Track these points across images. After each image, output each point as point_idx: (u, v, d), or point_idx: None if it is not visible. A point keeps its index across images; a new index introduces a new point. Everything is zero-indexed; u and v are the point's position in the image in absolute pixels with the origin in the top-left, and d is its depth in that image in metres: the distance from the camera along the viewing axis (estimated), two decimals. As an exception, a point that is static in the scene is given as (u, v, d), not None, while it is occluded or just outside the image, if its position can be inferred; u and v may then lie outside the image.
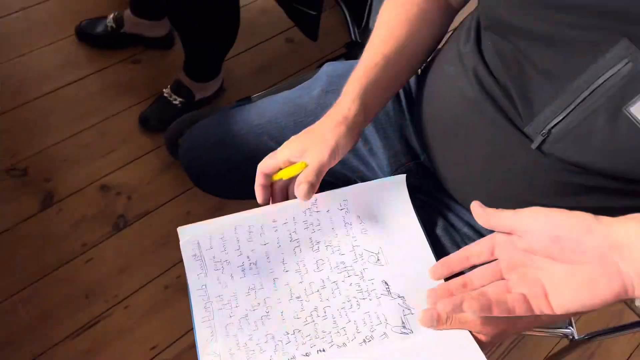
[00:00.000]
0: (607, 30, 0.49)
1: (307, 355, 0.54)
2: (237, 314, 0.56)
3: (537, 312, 0.46)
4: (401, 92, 0.81)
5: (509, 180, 0.63)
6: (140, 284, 1.22)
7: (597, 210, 0.59)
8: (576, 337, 0.89)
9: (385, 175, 0.78)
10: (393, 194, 0.65)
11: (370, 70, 0.67)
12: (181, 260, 0.58)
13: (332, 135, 0.63)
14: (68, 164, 1.34)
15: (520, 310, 0.46)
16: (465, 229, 0.72)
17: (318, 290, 0.59)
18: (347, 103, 0.65)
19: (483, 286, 0.50)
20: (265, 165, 0.63)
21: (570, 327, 0.88)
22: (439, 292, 0.51)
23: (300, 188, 0.60)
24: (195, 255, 0.59)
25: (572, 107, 0.54)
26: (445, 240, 0.72)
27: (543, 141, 0.57)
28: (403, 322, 0.56)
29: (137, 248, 1.26)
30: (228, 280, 0.58)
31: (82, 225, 1.27)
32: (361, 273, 0.60)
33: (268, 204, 0.64)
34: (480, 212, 0.50)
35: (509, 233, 0.49)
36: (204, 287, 0.58)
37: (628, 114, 0.51)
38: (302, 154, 0.62)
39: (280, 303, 0.57)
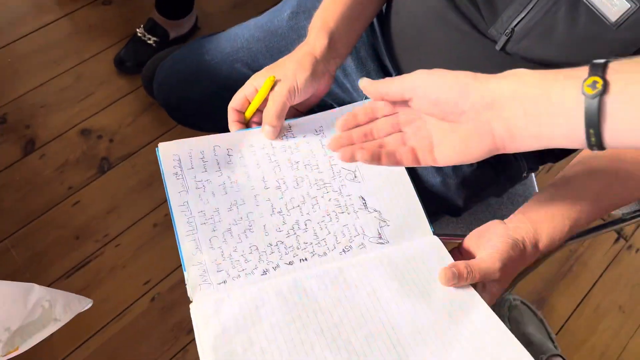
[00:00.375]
0: None
1: (290, 263, 0.57)
2: (220, 228, 0.58)
3: (423, 164, 0.49)
4: None
5: None
6: (129, 223, 1.24)
7: None
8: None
9: (359, 96, 0.79)
10: None
11: (335, 4, 0.67)
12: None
13: (293, 73, 0.63)
14: (47, 110, 1.33)
15: (407, 162, 0.49)
16: None
17: (298, 205, 0.61)
18: (312, 40, 0.66)
19: (381, 138, 0.52)
20: (234, 102, 0.64)
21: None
22: (341, 139, 0.52)
23: (264, 130, 0.62)
24: (176, 173, 0.61)
25: (533, 2, 0.55)
26: None
27: (507, 41, 0.58)
28: (379, 234, 0.60)
29: (123, 189, 1.27)
30: (210, 197, 0.60)
31: (66, 170, 1.27)
32: (339, 189, 0.62)
33: None
34: (367, 84, 0.50)
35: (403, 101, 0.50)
36: (185, 203, 0.59)
37: (587, 2, 0.52)
38: None
39: (262, 217, 0.60)
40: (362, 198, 0.62)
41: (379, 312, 0.53)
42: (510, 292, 1.27)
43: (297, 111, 0.70)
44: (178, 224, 0.58)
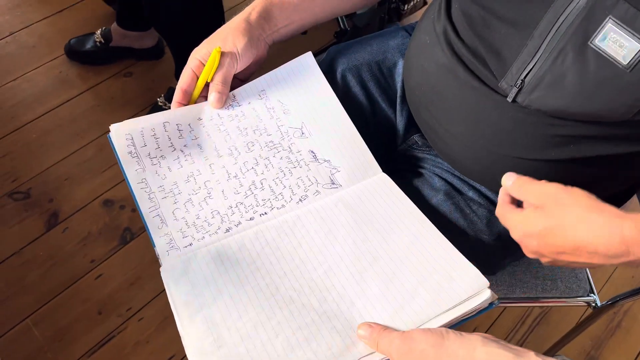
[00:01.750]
0: None
1: (251, 219, 0.60)
2: (180, 200, 0.61)
3: None
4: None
5: (491, 140, 0.63)
6: (152, 295, 1.21)
7: (584, 161, 0.59)
8: (599, 304, 0.86)
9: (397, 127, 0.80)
10: (306, 73, 0.71)
11: None
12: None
13: (232, 41, 0.66)
14: (70, 182, 1.34)
15: None
16: (470, 193, 0.71)
17: (252, 167, 0.64)
18: (248, 9, 0.68)
19: None
20: (183, 82, 0.65)
21: (592, 295, 0.86)
22: None
23: (211, 98, 0.65)
24: (130, 152, 0.62)
25: (540, 52, 0.54)
26: (446, 206, 0.70)
27: (518, 93, 0.57)
28: (332, 180, 0.64)
29: (145, 259, 1.25)
30: (166, 172, 0.62)
31: (89, 242, 1.26)
32: (289, 147, 0.66)
33: None
34: (508, 183, 0.52)
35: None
36: (144, 180, 0.61)
37: (594, 47, 0.50)
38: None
39: (219, 184, 0.62)
40: (312, 152, 0.66)
41: (336, 248, 0.58)
42: (558, 354, 1.19)
43: (239, 81, 0.71)
44: (140, 202, 0.60)
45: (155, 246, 0.58)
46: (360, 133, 0.69)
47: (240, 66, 0.66)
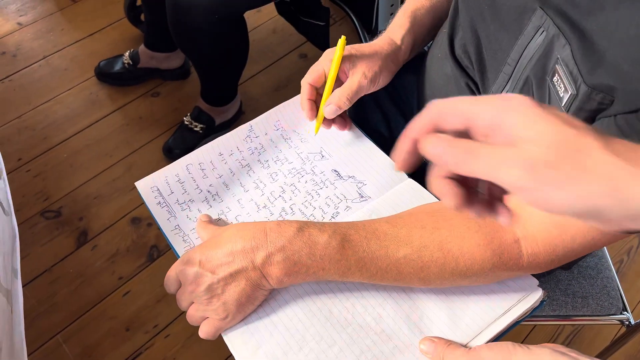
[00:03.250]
0: (528, 0, 0.50)
1: None
2: None
3: None
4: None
5: None
6: (178, 312, 1.22)
7: None
8: (632, 322, 0.83)
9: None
10: None
11: (419, 9, 0.71)
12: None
13: (378, 61, 0.65)
14: (99, 201, 1.37)
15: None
16: None
17: (280, 196, 0.65)
18: (398, 35, 0.68)
19: None
20: (311, 77, 0.65)
21: (626, 312, 0.83)
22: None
23: (328, 108, 0.64)
24: (159, 203, 0.64)
25: (512, 78, 0.55)
26: None
27: None
28: (360, 194, 0.64)
29: (172, 276, 1.26)
30: (197, 215, 0.63)
31: (117, 259, 1.28)
32: (312, 170, 0.67)
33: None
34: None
35: None
36: (177, 227, 0.62)
37: (550, 84, 0.50)
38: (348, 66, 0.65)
39: (250, 216, 0.63)
40: (335, 171, 0.66)
41: None
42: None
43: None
44: (176, 246, 0.61)
45: None
46: (375, 143, 0.69)
47: (373, 89, 0.66)
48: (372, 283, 0.55)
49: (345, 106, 0.64)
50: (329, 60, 0.64)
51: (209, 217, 0.63)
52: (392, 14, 1.29)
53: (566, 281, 0.82)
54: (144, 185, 0.66)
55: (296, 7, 1.35)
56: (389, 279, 0.53)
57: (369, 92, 0.66)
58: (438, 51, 0.69)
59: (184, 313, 1.20)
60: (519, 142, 0.29)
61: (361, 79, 0.64)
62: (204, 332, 0.55)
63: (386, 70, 0.67)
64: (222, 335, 0.55)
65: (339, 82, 0.65)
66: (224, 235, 0.54)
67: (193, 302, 0.55)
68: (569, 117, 0.30)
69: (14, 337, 0.62)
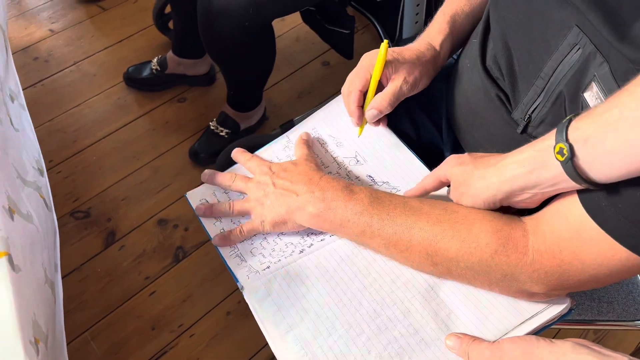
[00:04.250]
0: (565, 18, 0.51)
1: (322, 240, 0.63)
2: (256, 240, 0.66)
3: None
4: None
5: None
6: (203, 312, 1.24)
7: None
8: (658, 329, 0.84)
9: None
10: None
11: (458, 14, 0.72)
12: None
13: (419, 66, 0.67)
14: (127, 202, 1.40)
15: None
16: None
17: None
18: (438, 40, 0.70)
19: None
20: (359, 82, 0.67)
21: (650, 319, 0.84)
22: None
23: (370, 112, 0.66)
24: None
25: (544, 92, 0.56)
26: None
27: (526, 126, 0.59)
28: None
29: (197, 277, 1.29)
30: (241, 219, 0.68)
31: (144, 260, 1.31)
32: (347, 175, 0.69)
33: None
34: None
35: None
36: (222, 230, 0.67)
37: (583, 97, 0.51)
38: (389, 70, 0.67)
39: None
40: (370, 176, 0.68)
41: None
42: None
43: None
44: (222, 250, 0.65)
45: (237, 280, 0.62)
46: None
47: (413, 92, 0.69)
48: (385, 252, 0.58)
49: (387, 111, 0.66)
50: (372, 65, 0.66)
51: (309, 135, 0.72)
52: (417, 22, 1.31)
53: (592, 286, 0.82)
54: (193, 197, 0.70)
55: (321, 15, 1.38)
56: (401, 247, 0.57)
57: (409, 96, 0.68)
58: (468, 61, 0.70)
59: (208, 313, 1.23)
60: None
61: (402, 84, 0.66)
62: (238, 234, 0.65)
63: (426, 75, 0.69)
64: (254, 315, 0.58)
65: (379, 85, 0.67)
66: (298, 166, 0.65)
67: (253, 197, 0.65)
68: (467, 159, 0.56)
69: (55, 327, 0.65)
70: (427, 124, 0.80)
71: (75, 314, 1.22)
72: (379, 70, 0.65)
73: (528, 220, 0.54)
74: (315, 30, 1.47)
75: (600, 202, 0.46)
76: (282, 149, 0.73)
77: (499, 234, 0.53)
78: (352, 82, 0.67)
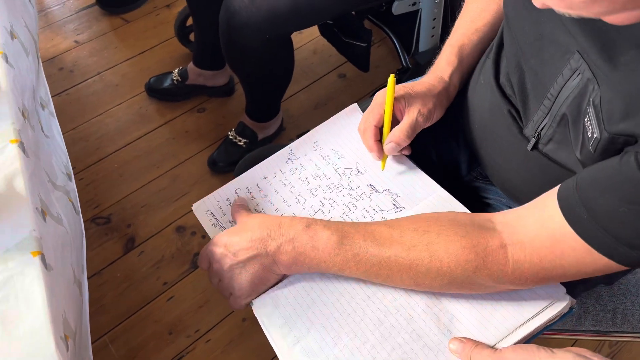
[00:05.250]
0: (569, 43, 0.53)
1: None
2: None
3: None
4: None
5: (518, 177, 0.67)
6: (219, 318, 1.26)
7: None
8: (674, 342, 0.84)
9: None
10: (352, 120, 0.76)
11: (466, 44, 0.73)
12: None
13: (432, 99, 0.69)
14: (146, 209, 1.43)
15: None
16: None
17: (320, 209, 0.70)
18: (447, 72, 0.72)
19: None
20: (374, 119, 0.69)
21: (667, 332, 0.84)
22: None
23: (388, 146, 0.69)
24: (213, 224, 0.72)
25: (551, 112, 0.57)
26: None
27: (536, 143, 0.61)
28: (395, 205, 0.68)
29: (214, 284, 1.31)
30: None
31: (162, 265, 1.34)
32: (349, 185, 0.71)
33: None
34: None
35: None
36: None
37: (585, 124, 0.52)
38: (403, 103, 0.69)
39: None
40: (370, 185, 0.71)
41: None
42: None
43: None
44: None
45: None
46: (423, 164, 0.72)
47: (427, 124, 0.71)
48: (369, 280, 0.59)
49: (405, 143, 0.69)
50: (384, 102, 0.68)
51: (244, 200, 0.71)
52: (433, 36, 1.33)
53: (607, 297, 0.83)
54: (199, 209, 0.73)
55: (339, 29, 1.41)
56: (382, 275, 0.58)
57: (425, 127, 0.70)
58: (482, 77, 0.71)
59: (225, 319, 1.25)
60: None
61: (418, 116, 0.68)
62: (230, 305, 0.64)
63: (440, 106, 0.71)
64: (263, 329, 0.61)
65: (394, 119, 0.70)
66: (248, 224, 0.62)
67: (220, 280, 0.63)
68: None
69: (82, 326, 0.67)
70: (443, 132, 0.81)
71: (95, 318, 1.25)
72: (390, 103, 0.67)
73: (503, 227, 0.55)
74: (332, 43, 1.50)
75: (581, 214, 0.48)
76: (285, 162, 0.75)
77: (476, 249, 0.54)
78: (367, 119, 0.70)
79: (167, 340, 1.23)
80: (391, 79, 0.67)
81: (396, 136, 0.68)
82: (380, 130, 0.70)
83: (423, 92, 0.69)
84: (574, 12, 0.37)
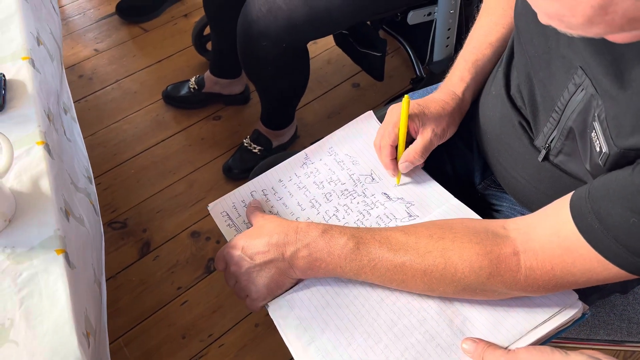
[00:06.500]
0: (572, 58, 0.53)
1: None
2: None
3: None
4: None
5: (531, 187, 0.67)
6: (232, 323, 1.27)
7: None
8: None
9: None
10: (368, 127, 0.77)
11: (479, 59, 0.74)
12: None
13: (445, 117, 0.70)
14: (162, 214, 1.45)
15: None
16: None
17: (334, 214, 0.71)
18: (460, 88, 0.73)
19: None
20: (389, 137, 0.70)
21: (681, 343, 0.83)
22: None
23: (402, 165, 0.70)
24: (229, 225, 0.73)
25: (558, 126, 0.58)
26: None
27: (547, 154, 0.61)
28: (409, 213, 0.69)
29: (227, 289, 1.29)
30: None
31: (177, 270, 1.35)
32: (363, 193, 0.72)
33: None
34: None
35: None
36: None
37: (591, 138, 0.52)
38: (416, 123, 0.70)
39: None
40: (385, 193, 0.71)
41: None
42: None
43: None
44: None
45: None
46: (437, 172, 0.73)
47: (440, 142, 0.72)
48: (384, 285, 0.60)
49: (419, 162, 0.70)
50: (398, 120, 0.69)
51: (259, 202, 0.72)
52: (447, 46, 1.34)
53: (621, 306, 0.83)
54: (214, 209, 0.74)
55: (354, 38, 1.42)
56: (397, 281, 0.58)
57: (439, 145, 0.72)
58: (493, 88, 0.72)
59: (238, 324, 1.26)
60: None
61: (431, 136, 0.70)
62: (247, 306, 0.65)
63: (452, 124, 0.72)
64: (279, 330, 0.62)
65: (408, 135, 0.71)
66: (265, 227, 0.63)
67: (237, 282, 0.64)
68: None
69: (101, 325, 0.69)
70: (457, 140, 0.82)
71: (110, 321, 1.26)
72: (404, 125, 0.69)
73: (516, 235, 0.56)
74: (347, 52, 1.52)
75: (593, 224, 0.49)
76: (300, 166, 0.76)
77: (489, 255, 0.55)
78: (383, 137, 0.71)
79: (181, 344, 1.24)
80: (405, 99, 0.68)
81: (410, 155, 0.70)
82: (396, 148, 0.72)
83: (437, 112, 0.71)
84: (575, 32, 0.38)
